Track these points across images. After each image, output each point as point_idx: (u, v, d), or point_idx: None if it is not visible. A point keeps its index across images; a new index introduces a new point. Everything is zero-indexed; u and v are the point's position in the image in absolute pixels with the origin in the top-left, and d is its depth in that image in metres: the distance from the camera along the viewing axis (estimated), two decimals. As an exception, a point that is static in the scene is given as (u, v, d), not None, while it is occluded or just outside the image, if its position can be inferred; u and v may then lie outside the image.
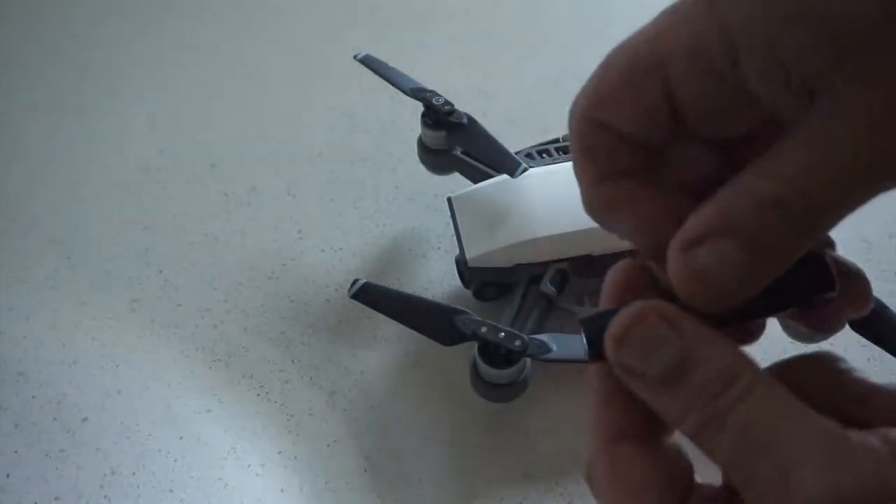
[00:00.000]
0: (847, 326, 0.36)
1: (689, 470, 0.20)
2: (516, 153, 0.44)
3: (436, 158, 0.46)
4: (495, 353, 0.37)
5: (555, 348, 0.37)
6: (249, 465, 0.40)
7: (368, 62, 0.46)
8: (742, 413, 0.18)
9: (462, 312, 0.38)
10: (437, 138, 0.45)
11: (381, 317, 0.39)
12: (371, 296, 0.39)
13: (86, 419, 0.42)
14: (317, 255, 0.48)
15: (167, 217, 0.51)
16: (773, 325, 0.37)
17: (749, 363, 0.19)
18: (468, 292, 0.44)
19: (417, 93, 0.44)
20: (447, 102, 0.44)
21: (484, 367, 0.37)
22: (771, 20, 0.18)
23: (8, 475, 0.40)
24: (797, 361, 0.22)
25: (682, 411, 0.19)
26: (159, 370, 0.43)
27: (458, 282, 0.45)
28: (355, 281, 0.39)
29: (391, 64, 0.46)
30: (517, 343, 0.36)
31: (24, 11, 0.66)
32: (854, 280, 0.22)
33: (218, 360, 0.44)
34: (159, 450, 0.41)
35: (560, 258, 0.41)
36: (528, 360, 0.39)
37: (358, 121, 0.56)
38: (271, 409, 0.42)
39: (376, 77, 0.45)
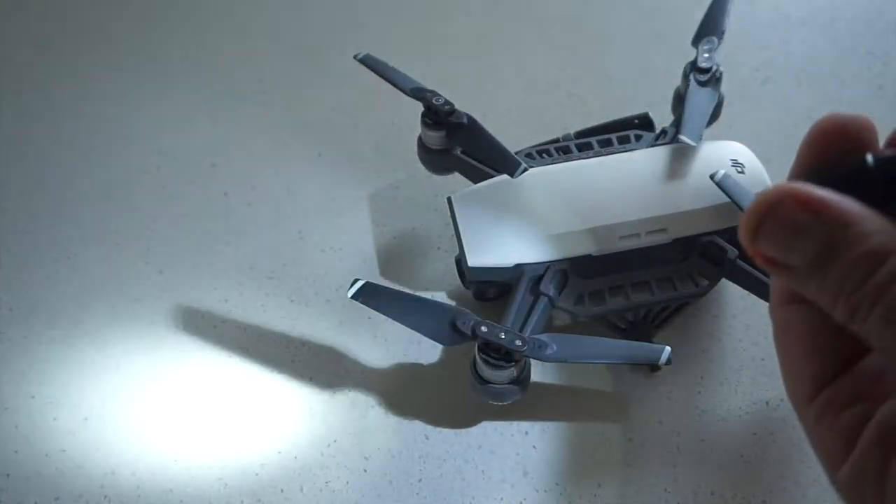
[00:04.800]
0: None
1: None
2: (516, 153, 0.44)
3: (436, 158, 0.46)
4: (495, 353, 0.37)
5: (555, 348, 0.37)
6: (249, 465, 0.40)
7: (368, 62, 0.46)
8: None
9: (462, 312, 0.38)
10: (437, 138, 0.45)
11: (381, 317, 0.39)
12: (371, 296, 0.39)
13: (86, 419, 0.42)
14: (317, 255, 0.48)
15: (167, 217, 0.51)
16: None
17: None
18: (468, 292, 0.44)
19: (417, 93, 0.44)
20: (447, 102, 0.44)
21: (484, 368, 0.37)
22: None
23: (8, 475, 0.40)
24: None
25: (832, 297, 0.17)
26: (159, 370, 0.43)
27: (458, 282, 0.45)
28: (355, 281, 0.39)
29: (391, 64, 0.46)
30: (517, 343, 0.36)
31: (24, 11, 0.66)
32: None
33: (218, 360, 0.44)
34: (159, 450, 0.41)
35: (560, 258, 0.41)
36: (528, 360, 0.39)
37: (358, 121, 0.56)
38: (272, 408, 0.42)
39: (376, 77, 0.45)
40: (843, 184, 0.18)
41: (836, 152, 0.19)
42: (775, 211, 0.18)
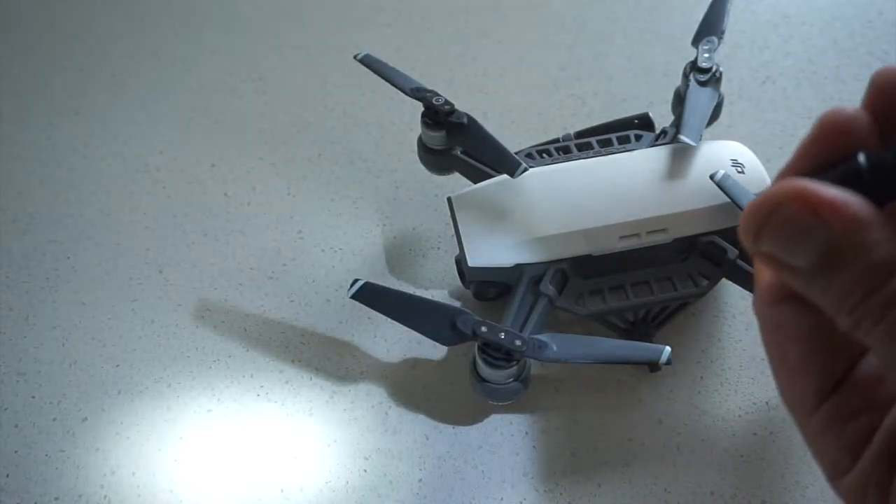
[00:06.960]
0: None
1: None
2: (516, 153, 0.44)
3: (436, 158, 0.46)
4: (495, 353, 0.37)
5: (555, 348, 0.37)
6: (250, 465, 0.40)
7: (368, 62, 0.46)
8: None
9: (462, 312, 0.38)
10: (437, 138, 0.45)
11: (381, 317, 0.39)
12: (371, 296, 0.39)
13: (86, 419, 0.42)
14: (317, 255, 0.48)
15: (167, 217, 0.51)
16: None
17: None
18: (468, 292, 0.44)
19: (417, 93, 0.44)
20: (447, 102, 0.44)
21: (484, 367, 0.37)
22: None
23: (8, 475, 0.40)
24: None
25: (836, 306, 0.17)
26: (159, 370, 0.44)
27: (458, 282, 0.45)
28: (355, 281, 0.39)
29: (391, 64, 0.46)
30: (517, 343, 0.36)
31: (25, 11, 0.66)
32: None
33: (218, 360, 0.44)
34: (159, 450, 0.41)
35: (560, 258, 0.41)
36: (528, 359, 0.39)
37: (358, 121, 0.56)
38: (271, 409, 0.42)
39: (376, 77, 0.45)
40: (846, 180, 0.17)
41: (840, 148, 0.18)
42: (779, 212, 0.17)
